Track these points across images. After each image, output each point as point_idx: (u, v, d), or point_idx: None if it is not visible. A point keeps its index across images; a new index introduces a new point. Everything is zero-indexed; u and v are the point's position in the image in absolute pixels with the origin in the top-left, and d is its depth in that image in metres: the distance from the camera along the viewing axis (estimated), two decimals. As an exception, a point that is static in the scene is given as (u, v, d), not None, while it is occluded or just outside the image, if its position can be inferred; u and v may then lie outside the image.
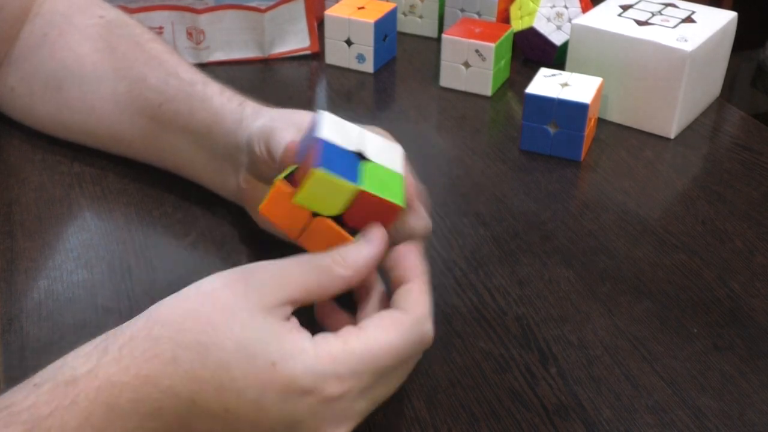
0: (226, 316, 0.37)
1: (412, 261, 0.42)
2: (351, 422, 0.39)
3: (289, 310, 0.38)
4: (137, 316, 0.38)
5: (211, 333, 0.36)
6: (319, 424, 0.37)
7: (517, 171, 0.68)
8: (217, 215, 0.60)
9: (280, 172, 0.43)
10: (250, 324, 0.37)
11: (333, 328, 0.39)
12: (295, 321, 0.39)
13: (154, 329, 0.37)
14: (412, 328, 0.39)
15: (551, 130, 0.68)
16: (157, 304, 0.38)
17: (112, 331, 0.38)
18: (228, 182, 0.57)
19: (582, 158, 0.69)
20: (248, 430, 0.37)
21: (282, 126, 0.48)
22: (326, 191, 0.40)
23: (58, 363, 0.36)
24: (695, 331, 0.51)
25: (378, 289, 0.44)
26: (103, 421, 0.35)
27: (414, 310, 0.40)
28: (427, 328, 0.40)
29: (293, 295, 0.38)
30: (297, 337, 0.37)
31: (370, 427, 0.44)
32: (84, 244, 0.57)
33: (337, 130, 0.43)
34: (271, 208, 0.42)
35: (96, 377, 0.35)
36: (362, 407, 0.39)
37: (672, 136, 0.73)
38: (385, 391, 0.40)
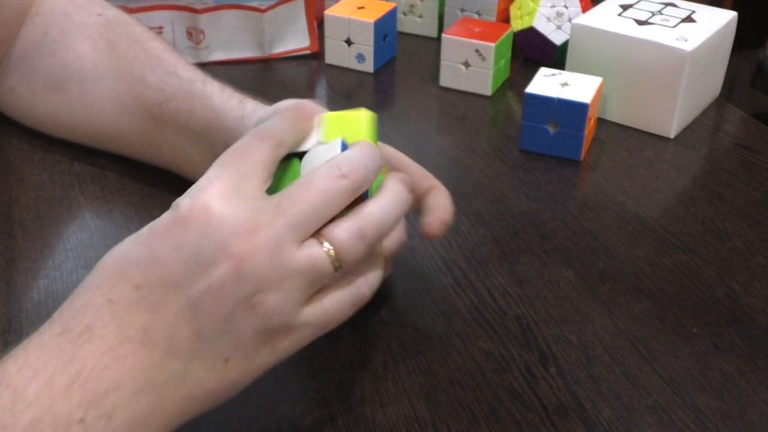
0: None
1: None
2: (255, 233, 0.37)
3: None
4: None
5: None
6: (213, 244, 0.36)
7: (516, 171, 0.68)
8: (216, 215, 0.60)
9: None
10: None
11: None
12: None
13: None
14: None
15: (551, 129, 0.68)
16: None
17: None
18: None
19: (582, 158, 0.69)
20: (170, 300, 0.36)
21: (285, 105, 0.49)
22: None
23: None
24: (695, 331, 0.51)
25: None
26: (40, 360, 0.35)
27: None
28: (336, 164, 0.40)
29: None
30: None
31: (370, 426, 0.44)
32: (84, 243, 0.57)
33: None
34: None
35: (38, 333, 0.37)
36: (257, 211, 0.37)
37: (672, 136, 0.73)
38: (282, 202, 0.38)
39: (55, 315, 0.37)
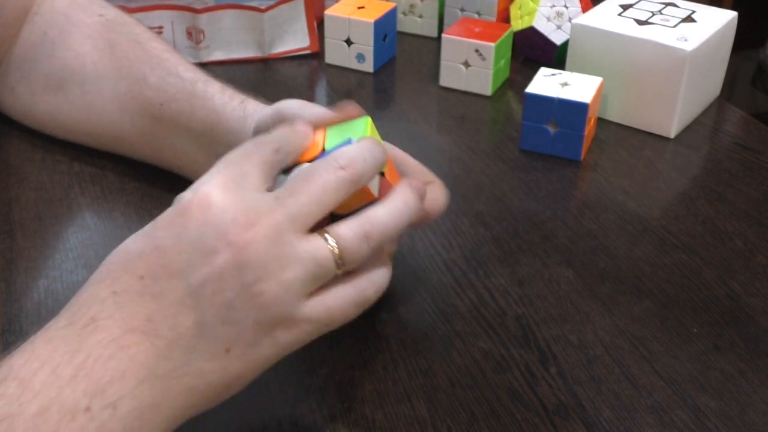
0: None
1: None
2: (253, 215, 0.38)
3: None
4: None
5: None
6: (215, 231, 0.37)
7: (517, 171, 0.68)
8: (216, 215, 0.60)
9: None
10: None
11: None
12: None
13: None
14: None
15: (551, 129, 0.68)
16: None
17: None
18: None
19: (582, 158, 0.69)
20: (174, 291, 0.37)
21: (292, 104, 0.49)
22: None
23: None
24: (695, 331, 0.51)
25: None
26: (46, 351, 0.35)
27: None
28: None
29: None
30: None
31: (370, 426, 0.44)
32: (84, 243, 0.57)
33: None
34: None
35: (45, 328, 0.37)
36: (254, 199, 0.38)
37: (672, 136, 0.73)
38: (292, 195, 0.39)
39: (62, 310, 0.38)
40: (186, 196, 0.39)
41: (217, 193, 0.38)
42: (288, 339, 0.39)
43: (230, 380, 0.38)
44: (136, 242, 0.39)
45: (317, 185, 0.39)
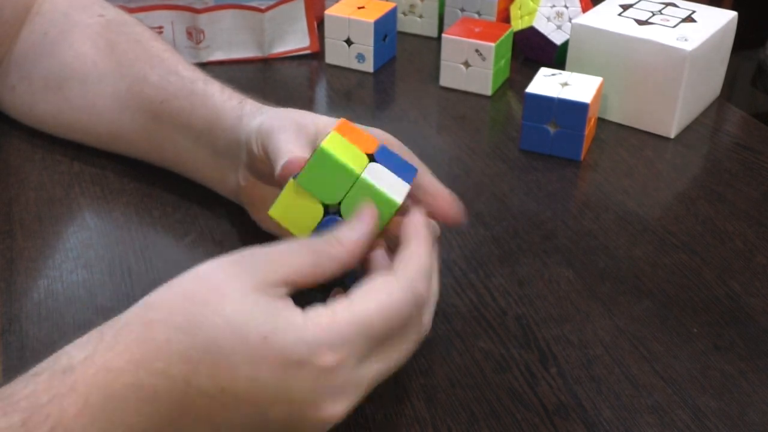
0: (218, 296, 0.37)
1: (412, 225, 0.43)
2: (352, 395, 0.38)
3: (284, 291, 0.38)
4: (135, 304, 0.38)
5: (202, 312, 0.36)
6: (318, 398, 0.37)
7: (517, 171, 0.68)
8: (216, 215, 0.60)
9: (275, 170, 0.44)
10: (241, 302, 0.37)
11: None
12: (289, 300, 0.38)
13: (148, 314, 0.37)
14: (401, 290, 0.39)
15: (551, 129, 0.68)
16: (153, 291, 0.38)
17: (109, 321, 0.38)
18: (228, 180, 0.57)
19: (582, 158, 0.69)
20: (247, 410, 0.37)
21: (280, 125, 0.48)
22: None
23: (58, 353, 0.36)
24: (695, 331, 0.51)
25: (381, 263, 0.43)
26: (102, 408, 0.34)
27: (403, 270, 0.40)
28: (418, 287, 0.40)
29: (287, 277, 0.38)
30: (288, 312, 0.37)
31: (370, 426, 0.44)
32: (84, 243, 0.57)
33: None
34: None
35: (93, 364, 0.35)
36: (363, 378, 0.38)
37: (672, 136, 0.73)
38: (388, 358, 0.39)
39: (122, 349, 0.36)
40: (304, 348, 0.36)
41: (335, 368, 0.37)
42: None
43: None
44: (233, 346, 0.36)
45: (401, 358, 0.40)
